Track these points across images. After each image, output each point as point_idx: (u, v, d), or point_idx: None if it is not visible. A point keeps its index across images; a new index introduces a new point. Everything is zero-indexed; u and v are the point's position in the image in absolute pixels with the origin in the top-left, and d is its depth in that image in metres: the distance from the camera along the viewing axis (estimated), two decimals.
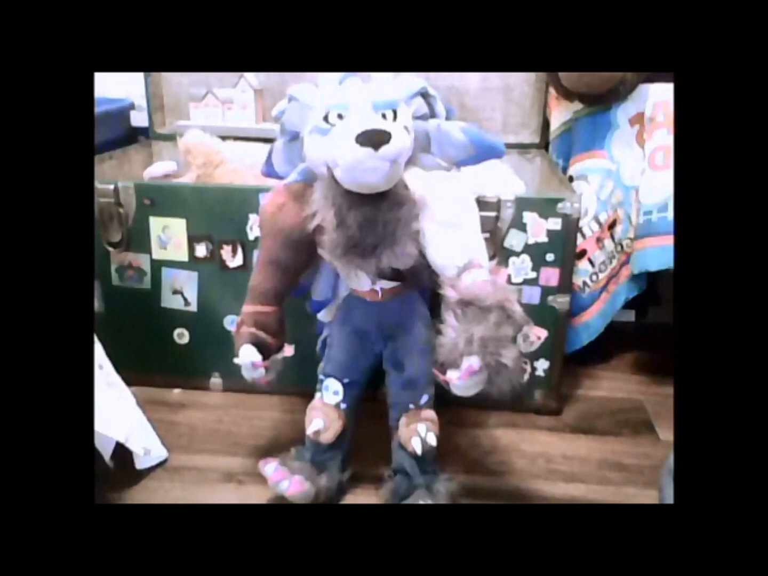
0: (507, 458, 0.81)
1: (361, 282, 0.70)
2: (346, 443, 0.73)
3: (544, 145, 1.15)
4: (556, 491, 0.76)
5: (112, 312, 0.93)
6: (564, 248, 0.83)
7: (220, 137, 1.05)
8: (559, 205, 0.81)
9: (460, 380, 0.62)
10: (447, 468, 0.74)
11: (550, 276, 0.85)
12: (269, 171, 0.74)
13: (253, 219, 0.85)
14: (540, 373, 0.90)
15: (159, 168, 1.04)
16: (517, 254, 0.84)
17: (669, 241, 0.92)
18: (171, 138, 1.14)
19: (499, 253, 0.83)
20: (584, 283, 0.99)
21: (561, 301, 0.86)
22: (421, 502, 0.68)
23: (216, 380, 0.96)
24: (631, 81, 0.95)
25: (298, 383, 0.80)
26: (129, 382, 0.79)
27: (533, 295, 0.85)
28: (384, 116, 0.61)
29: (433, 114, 0.68)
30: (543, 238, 0.83)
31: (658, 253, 0.93)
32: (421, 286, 0.71)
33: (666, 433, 0.86)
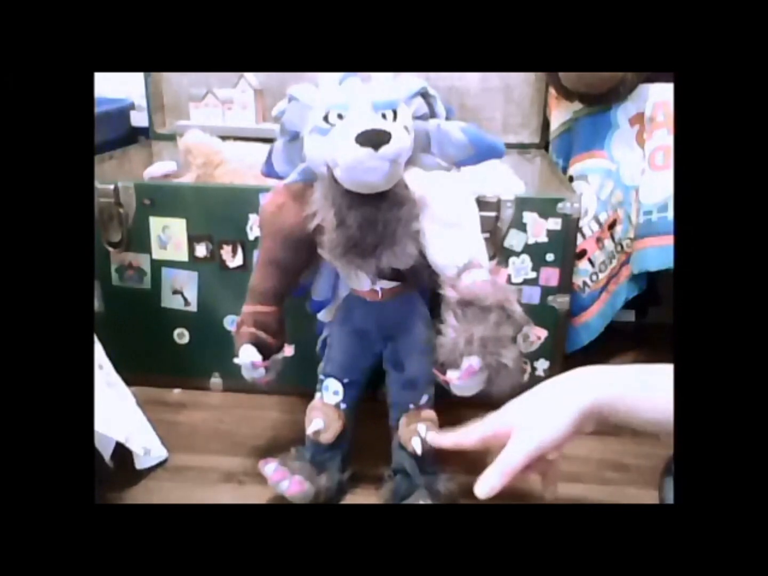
0: None
1: (361, 282, 0.70)
2: (346, 443, 0.73)
3: (544, 145, 1.15)
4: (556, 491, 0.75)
5: (112, 312, 0.93)
6: (564, 248, 0.83)
7: (220, 137, 1.05)
8: (559, 205, 0.81)
9: (460, 380, 0.62)
10: (447, 468, 0.74)
11: (550, 276, 0.85)
12: (269, 171, 0.74)
13: (253, 219, 0.85)
14: (540, 373, 0.90)
15: (159, 168, 1.04)
16: (517, 254, 0.84)
17: (669, 241, 0.92)
18: (171, 138, 1.14)
19: (499, 253, 0.83)
20: (584, 283, 0.99)
21: (561, 301, 0.86)
22: (421, 502, 0.69)
23: (216, 380, 0.96)
24: (631, 81, 0.95)
25: (298, 383, 0.80)
26: (129, 382, 0.79)
27: (533, 295, 0.85)
28: (384, 116, 0.61)
29: (433, 114, 0.68)
30: (543, 238, 0.83)
31: (658, 253, 0.93)
32: (421, 286, 0.71)
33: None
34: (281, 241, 0.68)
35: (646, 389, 0.51)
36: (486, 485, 0.51)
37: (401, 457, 0.71)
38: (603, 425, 0.54)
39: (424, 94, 0.67)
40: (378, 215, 0.61)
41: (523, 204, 0.82)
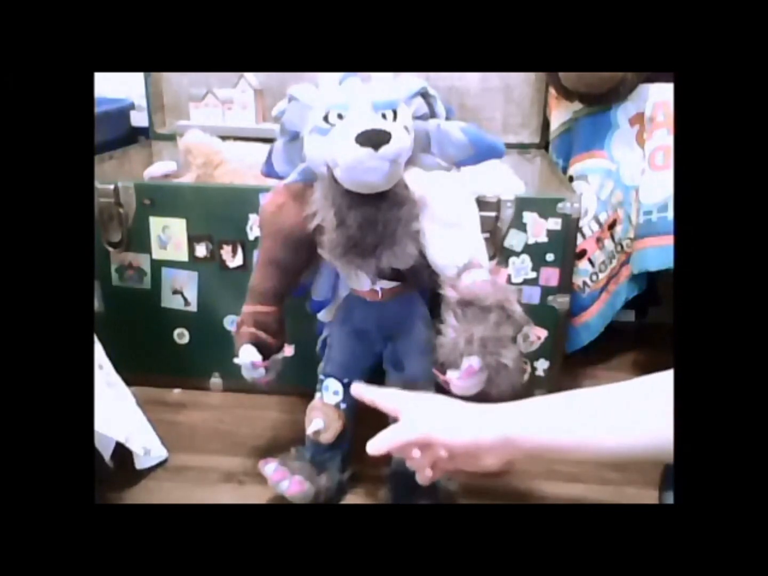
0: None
1: (361, 282, 0.70)
2: (346, 443, 0.73)
3: (544, 145, 1.15)
4: (556, 491, 0.76)
5: (112, 312, 0.93)
6: (564, 248, 0.83)
7: (220, 137, 1.05)
8: (559, 205, 0.81)
9: (460, 380, 0.62)
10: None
11: (550, 276, 0.85)
12: (269, 171, 0.74)
13: (253, 219, 0.85)
14: (540, 373, 0.90)
15: (159, 168, 1.04)
16: (517, 254, 0.84)
17: (669, 241, 0.92)
18: (171, 138, 1.14)
19: (499, 253, 0.83)
20: (584, 283, 0.99)
21: (561, 301, 0.86)
22: (421, 502, 0.68)
23: (216, 380, 0.96)
24: (631, 81, 0.95)
25: (298, 383, 0.80)
26: (129, 382, 0.79)
27: (533, 295, 0.85)
28: (384, 116, 0.61)
29: (433, 114, 0.68)
30: (543, 238, 0.83)
31: (658, 253, 0.93)
32: (421, 286, 0.71)
33: None
34: (281, 241, 0.68)
35: (569, 424, 0.52)
36: (373, 446, 0.56)
37: (401, 457, 0.71)
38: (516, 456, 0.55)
39: (424, 94, 0.67)
40: (378, 215, 0.61)
41: (523, 204, 0.82)
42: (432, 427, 0.55)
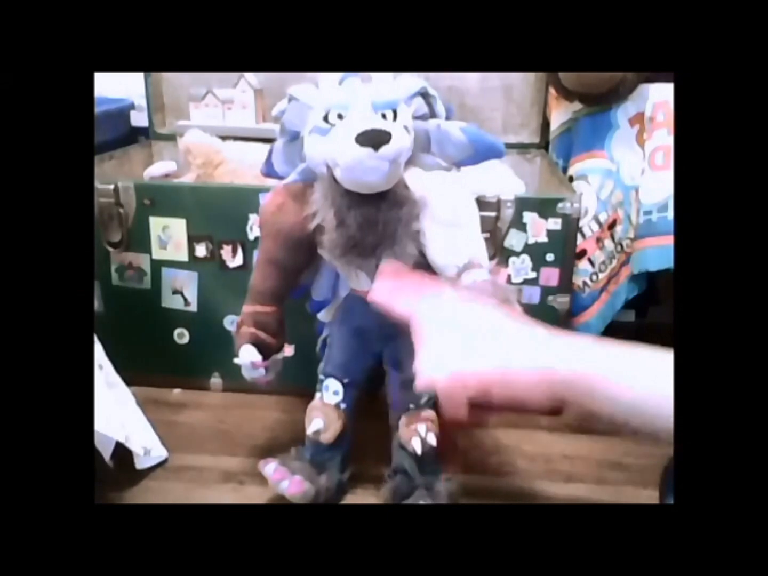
0: (507, 458, 0.81)
1: (362, 282, 0.70)
2: (346, 443, 0.73)
3: (544, 145, 1.15)
4: (556, 491, 0.76)
5: (112, 312, 0.93)
6: (564, 248, 0.83)
7: (220, 137, 1.05)
8: (559, 205, 0.81)
9: None
10: (447, 468, 0.74)
11: (550, 276, 0.85)
12: (269, 171, 0.74)
13: (253, 219, 0.85)
14: None
15: (159, 168, 1.04)
16: (517, 254, 0.84)
17: (669, 241, 0.92)
18: (171, 138, 1.14)
19: (499, 253, 0.83)
20: (584, 283, 0.99)
21: (561, 301, 0.86)
22: (421, 502, 0.68)
23: (216, 380, 0.96)
24: (631, 81, 0.95)
25: (298, 383, 0.80)
26: (129, 382, 0.79)
27: (533, 295, 0.85)
28: (384, 116, 0.61)
29: (433, 114, 0.68)
30: (543, 238, 0.83)
31: (658, 253, 0.93)
32: None
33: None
34: (281, 241, 0.68)
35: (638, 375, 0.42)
36: (426, 379, 0.43)
37: (401, 457, 0.71)
38: (578, 408, 0.45)
39: (424, 94, 0.67)
40: (378, 215, 0.62)
41: (523, 204, 0.82)
42: (488, 361, 0.41)
